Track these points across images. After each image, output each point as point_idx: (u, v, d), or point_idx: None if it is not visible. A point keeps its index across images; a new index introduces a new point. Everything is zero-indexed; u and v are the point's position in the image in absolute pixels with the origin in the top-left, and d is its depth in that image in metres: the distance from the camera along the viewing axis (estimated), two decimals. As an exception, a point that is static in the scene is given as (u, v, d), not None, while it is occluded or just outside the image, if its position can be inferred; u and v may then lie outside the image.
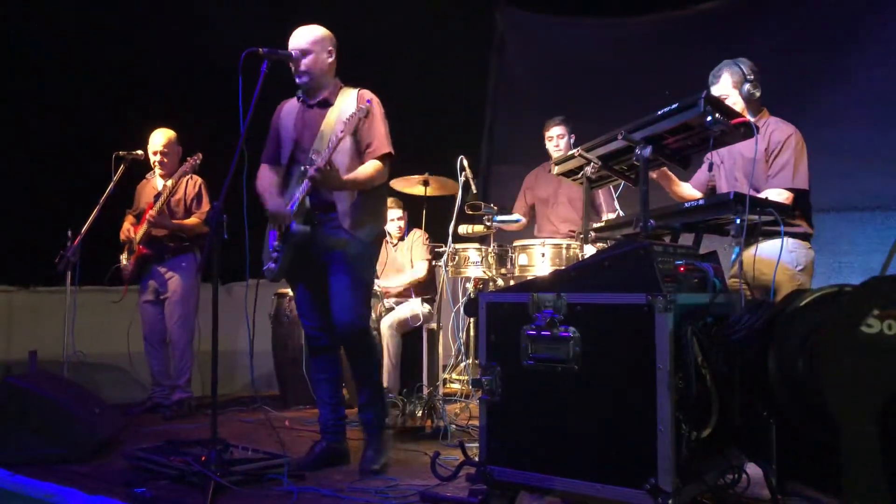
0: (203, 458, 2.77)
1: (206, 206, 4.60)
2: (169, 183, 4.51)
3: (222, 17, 5.09)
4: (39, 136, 4.96)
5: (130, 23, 5.18)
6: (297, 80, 3.18)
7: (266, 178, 3.28)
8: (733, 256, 3.31)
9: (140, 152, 4.60)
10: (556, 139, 4.79)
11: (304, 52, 3.14)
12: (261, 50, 2.97)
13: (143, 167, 4.71)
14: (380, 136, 3.16)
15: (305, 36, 3.17)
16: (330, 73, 3.24)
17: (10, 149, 4.83)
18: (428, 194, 4.84)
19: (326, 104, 3.20)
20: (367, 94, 3.21)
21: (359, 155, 3.16)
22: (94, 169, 4.61)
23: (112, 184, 4.46)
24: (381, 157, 3.15)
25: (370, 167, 3.13)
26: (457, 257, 4.24)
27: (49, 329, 4.60)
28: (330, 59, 3.22)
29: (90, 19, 5.03)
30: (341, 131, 2.99)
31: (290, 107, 3.31)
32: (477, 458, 2.45)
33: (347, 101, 3.16)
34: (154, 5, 5.21)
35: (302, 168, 3.09)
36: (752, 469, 2.48)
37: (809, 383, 1.75)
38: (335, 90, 3.23)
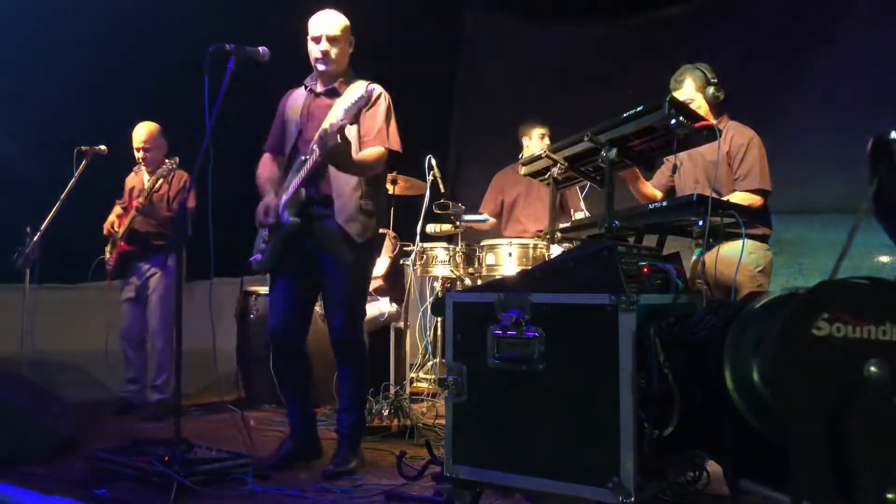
0: (166, 458, 2.73)
1: (191, 202, 4.48)
2: (145, 180, 4.43)
3: (192, 10, 5.02)
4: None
5: (95, 15, 5.08)
6: (320, 67, 3.13)
7: (267, 169, 3.22)
8: (695, 257, 3.36)
9: (103, 147, 4.50)
10: (528, 139, 4.85)
11: (333, 40, 3.09)
12: (227, 46, 2.94)
13: (106, 162, 4.61)
14: (380, 128, 3.09)
15: (336, 22, 3.11)
16: (347, 64, 3.19)
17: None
18: (396, 193, 4.84)
19: (335, 94, 3.13)
20: (377, 87, 3.15)
21: (360, 146, 3.09)
22: (55, 164, 4.52)
23: (73, 179, 4.38)
24: (384, 148, 3.09)
25: (374, 152, 3.05)
26: (425, 256, 4.24)
27: (7, 327, 4.49)
28: (351, 50, 3.18)
29: (54, 10, 4.93)
30: (342, 119, 2.88)
31: (297, 96, 3.25)
32: (443, 457, 2.46)
33: (355, 92, 3.07)
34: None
35: (302, 157, 3.02)
36: (713, 467, 2.53)
37: (762, 384, 1.79)
38: (346, 81, 3.17)
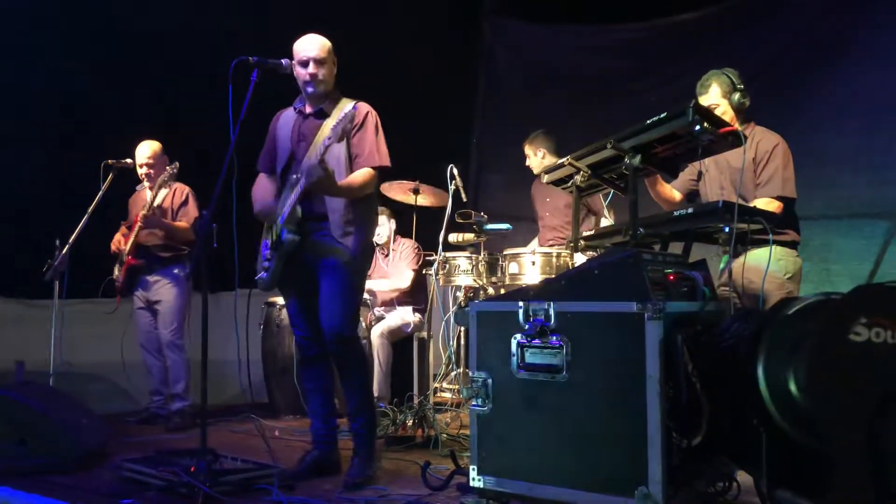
0: (192, 469, 2.74)
1: (193, 212, 4.58)
2: (148, 196, 4.50)
3: (212, 25, 5.08)
4: (28, 143, 4.93)
5: (120, 28, 5.16)
6: (309, 90, 3.18)
7: (262, 186, 3.31)
8: (722, 265, 3.32)
9: (129, 161, 4.58)
10: (527, 159, 4.87)
11: (320, 62, 3.15)
12: (251, 59, 2.97)
13: (133, 176, 4.68)
14: (371, 147, 3.16)
15: (321, 45, 3.18)
16: (333, 84, 3.25)
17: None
18: (418, 203, 4.84)
19: (323, 114, 3.19)
20: (364, 105, 3.21)
21: (351, 166, 3.16)
22: (82, 178, 4.59)
23: (101, 193, 4.44)
24: (374, 168, 3.15)
25: (362, 174, 3.13)
26: (447, 266, 4.24)
27: (36, 339, 4.56)
28: (335, 70, 3.24)
29: (78, 25, 5.01)
30: (329, 138, 2.97)
31: (287, 117, 3.32)
32: (468, 468, 2.44)
33: (343, 112, 3.13)
34: (143, 13, 5.19)
35: (294, 176, 3.08)
36: (743, 477, 2.49)
37: (798, 391, 1.76)
38: (333, 101, 3.23)
